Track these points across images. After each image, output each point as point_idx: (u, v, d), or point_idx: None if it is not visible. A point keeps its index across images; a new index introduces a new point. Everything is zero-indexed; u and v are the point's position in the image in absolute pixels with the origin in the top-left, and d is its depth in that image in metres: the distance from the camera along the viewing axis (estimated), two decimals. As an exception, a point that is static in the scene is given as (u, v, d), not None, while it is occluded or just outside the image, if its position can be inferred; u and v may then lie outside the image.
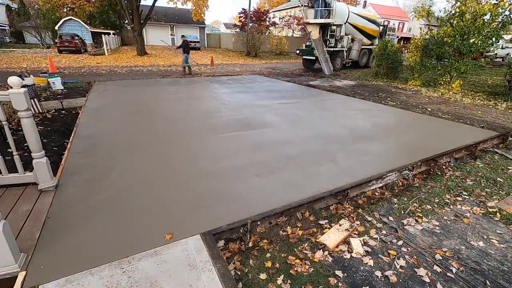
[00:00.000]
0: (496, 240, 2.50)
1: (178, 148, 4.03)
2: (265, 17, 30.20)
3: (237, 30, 30.28)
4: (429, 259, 2.24)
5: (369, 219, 2.74)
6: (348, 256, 2.25)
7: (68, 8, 25.88)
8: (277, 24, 32.18)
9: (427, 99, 8.90)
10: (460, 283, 2.02)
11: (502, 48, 22.04)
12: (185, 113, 5.86)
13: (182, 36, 12.88)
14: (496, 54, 20.07)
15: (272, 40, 27.05)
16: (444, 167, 3.94)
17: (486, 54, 17.30)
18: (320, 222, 2.66)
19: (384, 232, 2.57)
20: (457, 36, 9.89)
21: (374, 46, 16.51)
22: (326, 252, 2.28)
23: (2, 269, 1.77)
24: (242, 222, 2.34)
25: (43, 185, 2.71)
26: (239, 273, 2.06)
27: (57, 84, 8.13)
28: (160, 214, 2.47)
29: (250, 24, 25.57)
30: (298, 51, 16.80)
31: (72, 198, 2.66)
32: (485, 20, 9.44)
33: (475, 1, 9.51)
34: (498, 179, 3.67)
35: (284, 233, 2.48)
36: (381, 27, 18.55)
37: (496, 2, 9.29)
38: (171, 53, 24.06)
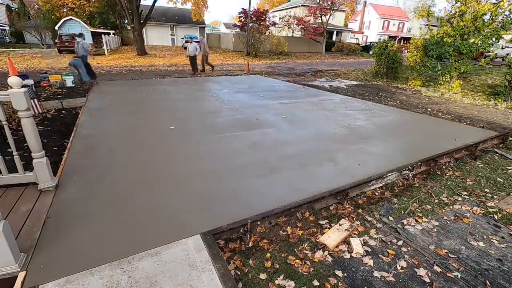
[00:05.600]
0: (496, 240, 2.50)
1: (178, 148, 4.03)
2: (265, 17, 30.16)
3: (237, 30, 30.27)
4: (429, 259, 2.24)
5: (369, 219, 2.74)
6: (348, 256, 2.25)
7: (68, 8, 25.89)
8: (277, 24, 32.17)
9: (427, 99, 8.90)
10: (460, 283, 2.02)
11: (502, 48, 22.03)
12: (185, 113, 5.86)
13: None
14: (496, 54, 20.08)
15: (272, 40, 27.05)
16: (444, 167, 3.94)
17: (486, 54, 17.30)
18: (320, 222, 2.66)
19: (384, 232, 2.57)
20: (457, 36, 9.90)
21: None
22: (326, 252, 2.28)
23: (2, 269, 1.77)
24: (242, 222, 2.33)
25: (43, 185, 2.70)
26: (239, 273, 2.06)
27: (68, 81, 8.64)
28: (160, 214, 2.47)
29: (250, 24, 25.54)
30: None
31: (72, 198, 2.66)
32: (485, 20, 9.45)
33: (475, 1, 9.51)
34: (498, 179, 3.67)
35: (284, 233, 2.48)
36: None
37: (496, 2, 9.30)
38: (171, 53, 24.08)
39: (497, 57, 22.39)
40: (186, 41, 27.74)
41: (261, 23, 29.30)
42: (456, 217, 2.82)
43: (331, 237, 2.40)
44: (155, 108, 6.35)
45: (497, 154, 4.55)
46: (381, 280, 2.03)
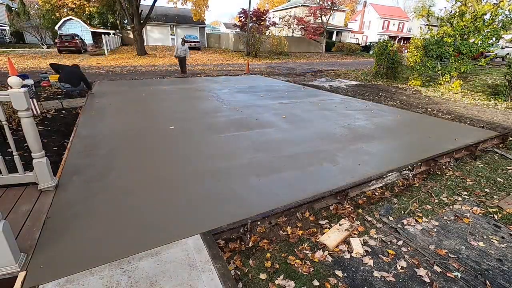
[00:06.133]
0: (496, 240, 2.50)
1: (178, 148, 4.03)
2: (265, 17, 30.17)
3: (237, 30, 30.28)
4: (429, 259, 2.24)
5: (369, 219, 2.74)
6: (348, 256, 2.25)
7: (68, 8, 25.87)
8: (277, 24, 32.17)
9: (427, 99, 8.90)
10: (460, 283, 2.02)
11: (502, 48, 22.05)
12: (185, 113, 5.86)
13: None
14: (496, 54, 20.07)
15: (272, 40, 27.04)
16: (444, 167, 3.94)
17: (486, 54, 17.32)
18: (320, 222, 2.66)
19: (384, 232, 2.57)
20: (457, 36, 9.90)
21: None
22: (326, 252, 2.28)
23: (2, 269, 1.77)
24: (242, 222, 2.34)
25: (43, 185, 2.71)
26: (239, 273, 2.06)
27: None
28: (160, 214, 2.47)
29: (250, 24, 25.54)
30: None
31: (72, 198, 2.66)
32: (485, 20, 9.45)
33: (475, 1, 9.51)
34: (498, 179, 3.67)
35: (284, 233, 2.48)
36: None
37: (496, 2, 9.30)
38: (171, 53, 24.07)
39: (497, 57, 22.39)
40: (186, 41, 27.76)
41: (261, 23, 29.29)
42: (456, 217, 2.82)
43: (331, 237, 2.40)
44: (155, 108, 6.36)
45: (497, 154, 4.55)
46: (381, 280, 2.03)
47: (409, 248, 2.36)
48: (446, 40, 10.04)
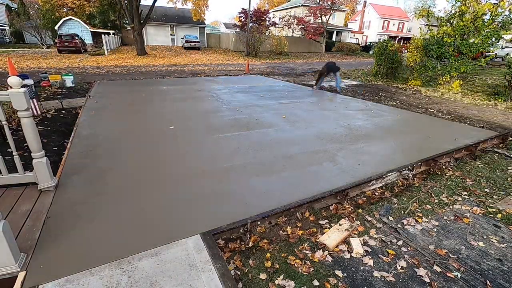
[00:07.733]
0: (496, 240, 2.50)
1: (178, 148, 4.03)
2: (265, 17, 30.16)
3: (237, 30, 30.28)
4: (429, 259, 2.24)
5: (369, 219, 2.74)
6: (348, 256, 2.25)
7: (68, 8, 25.87)
8: (277, 24, 32.17)
9: (427, 99, 8.90)
10: (460, 283, 2.02)
11: (502, 48, 22.05)
12: (185, 113, 5.86)
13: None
14: (496, 54, 20.08)
15: (272, 40, 27.05)
16: (444, 167, 3.94)
17: (486, 54, 17.31)
18: (320, 222, 2.66)
19: (384, 232, 2.57)
20: (457, 36, 9.90)
21: None
22: (326, 252, 2.28)
23: (2, 269, 1.77)
24: (242, 222, 2.34)
25: (43, 185, 2.71)
26: (239, 273, 2.06)
27: (67, 81, 8.57)
28: (160, 213, 2.47)
29: (250, 24, 25.54)
30: None
31: (72, 198, 2.66)
32: (485, 20, 9.46)
33: (475, 1, 9.51)
34: (498, 179, 3.67)
35: (284, 233, 2.48)
36: None
37: (496, 2, 9.30)
38: (171, 53, 24.08)
39: (497, 57, 22.40)
40: (186, 41, 27.77)
41: (261, 23, 29.30)
42: (456, 217, 2.82)
43: (331, 237, 2.40)
44: (155, 108, 6.35)
45: (497, 154, 4.55)
46: (381, 280, 2.03)
47: (409, 248, 2.36)
48: (446, 40, 10.04)
